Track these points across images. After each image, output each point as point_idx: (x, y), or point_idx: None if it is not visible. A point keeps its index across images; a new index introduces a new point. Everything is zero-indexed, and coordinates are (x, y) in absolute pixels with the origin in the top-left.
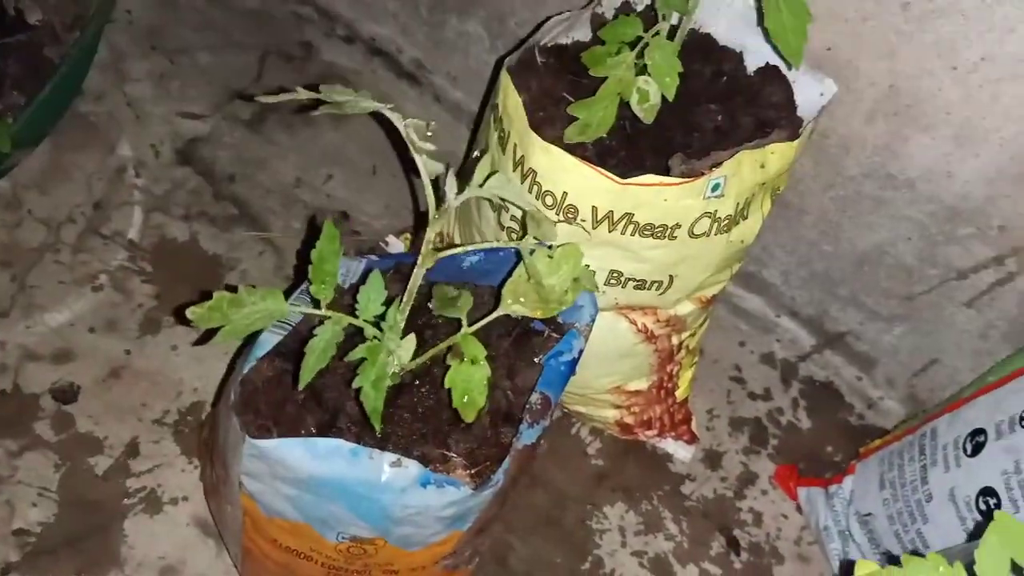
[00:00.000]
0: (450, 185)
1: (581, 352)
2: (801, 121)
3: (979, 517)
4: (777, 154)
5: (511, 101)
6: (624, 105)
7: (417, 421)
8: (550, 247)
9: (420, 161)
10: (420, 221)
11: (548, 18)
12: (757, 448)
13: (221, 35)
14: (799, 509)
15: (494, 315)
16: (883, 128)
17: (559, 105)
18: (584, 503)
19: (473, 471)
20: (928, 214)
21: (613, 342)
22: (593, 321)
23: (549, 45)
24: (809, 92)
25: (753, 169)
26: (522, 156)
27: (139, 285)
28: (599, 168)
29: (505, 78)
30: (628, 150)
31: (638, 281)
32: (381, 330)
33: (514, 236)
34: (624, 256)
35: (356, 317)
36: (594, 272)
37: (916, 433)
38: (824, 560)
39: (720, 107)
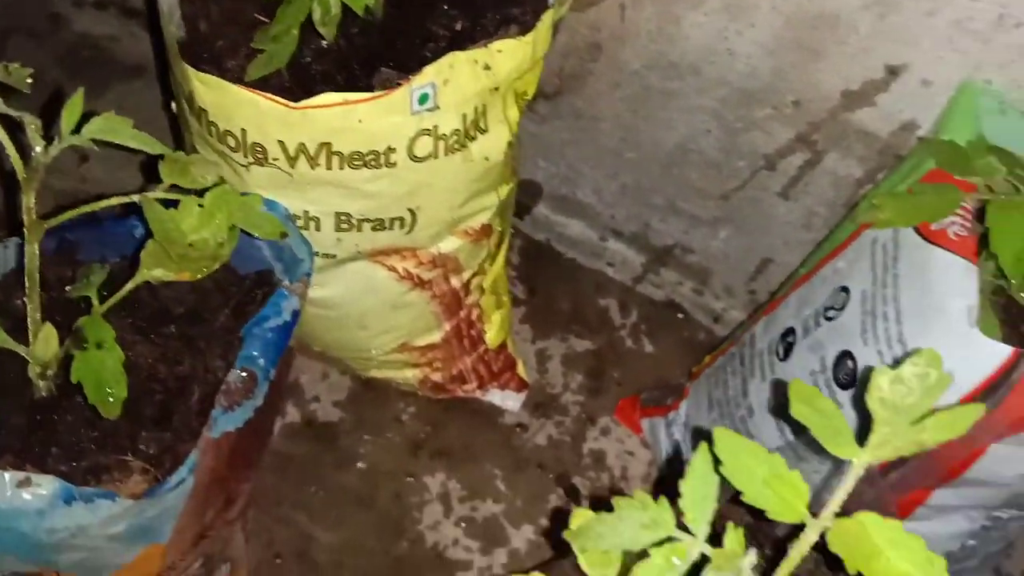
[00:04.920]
0: (34, 136)
1: (296, 313)
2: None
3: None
4: (506, 52)
5: (168, 29)
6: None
7: (88, 427)
8: (202, 192)
9: None
10: None
11: None
12: (596, 384)
13: None
14: (645, 444)
15: (128, 287)
16: (651, 11)
17: (252, 30)
18: (400, 476)
19: (158, 473)
20: (720, 100)
21: (376, 295)
22: (309, 276)
23: None
24: None
25: (474, 73)
26: (190, 93)
27: None
28: (266, 93)
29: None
30: (341, 71)
31: (374, 221)
32: None
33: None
34: (345, 195)
35: None
36: (282, 216)
37: (738, 343)
38: None
39: (459, 7)
